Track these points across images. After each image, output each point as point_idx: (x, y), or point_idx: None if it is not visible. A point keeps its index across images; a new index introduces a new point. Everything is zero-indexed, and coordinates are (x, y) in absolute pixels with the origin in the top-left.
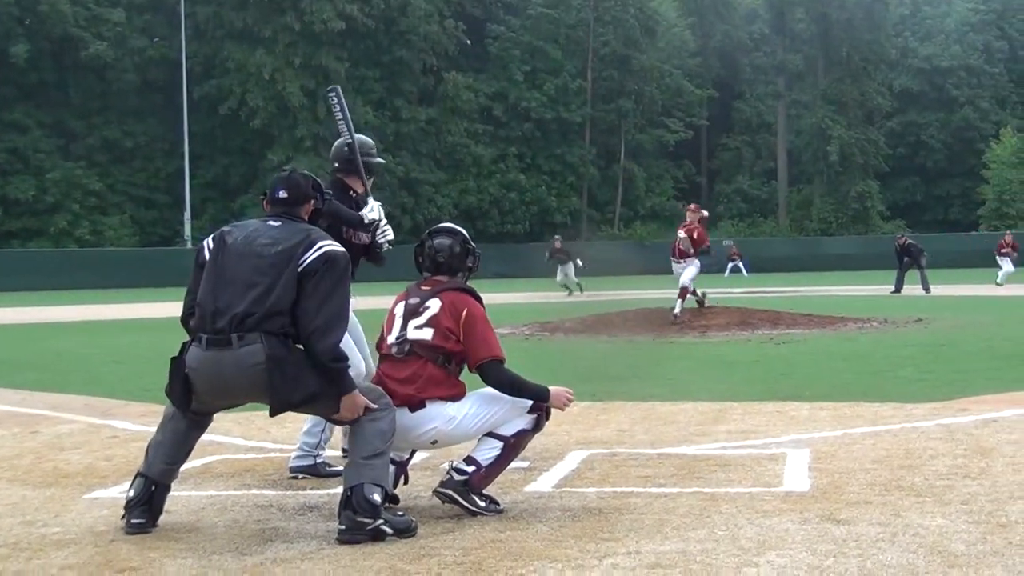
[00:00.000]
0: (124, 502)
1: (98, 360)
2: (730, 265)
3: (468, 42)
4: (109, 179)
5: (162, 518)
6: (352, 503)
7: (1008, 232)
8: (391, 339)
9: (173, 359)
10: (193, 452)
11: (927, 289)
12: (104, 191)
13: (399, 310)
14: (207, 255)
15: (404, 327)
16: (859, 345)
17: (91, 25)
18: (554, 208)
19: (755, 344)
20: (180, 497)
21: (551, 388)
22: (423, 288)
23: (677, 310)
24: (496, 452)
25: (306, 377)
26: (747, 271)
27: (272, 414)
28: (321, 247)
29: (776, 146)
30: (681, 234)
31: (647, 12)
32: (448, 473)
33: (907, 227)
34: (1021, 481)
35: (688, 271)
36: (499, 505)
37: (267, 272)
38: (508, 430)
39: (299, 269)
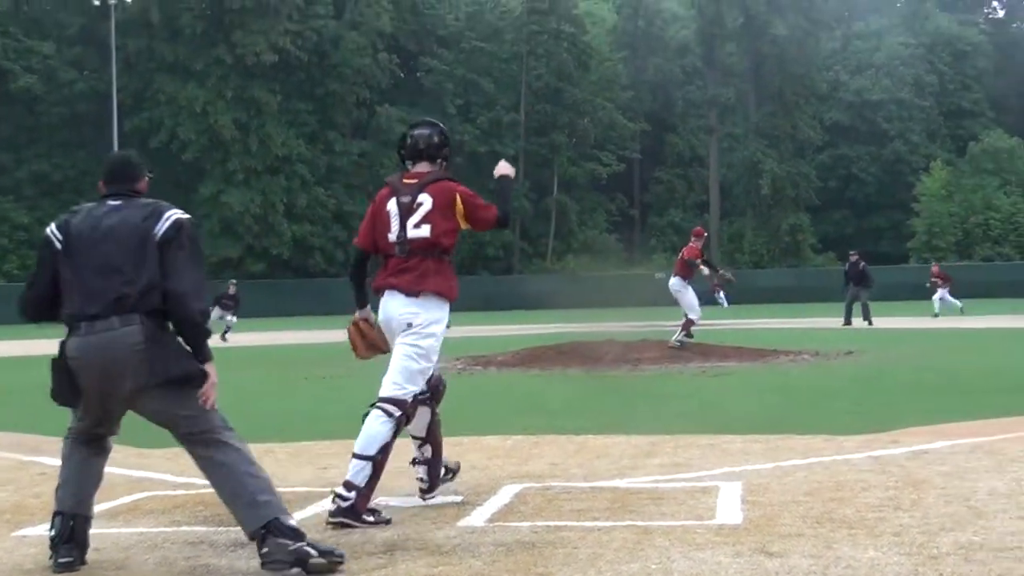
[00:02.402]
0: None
1: (27, 395)
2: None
3: (401, 75)
4: (38, 212)
5: (91, 556)
6: (273, 532)
7: (934, 263)
8: (392, 237)
9: (54, 359)
10: (123, 489)
11: (869, 320)
12: (33, 224)
13: (392, 208)
14: (58, 245)
15: (403, 226)
16: (791, 378)
17: (20, 57)
18: (487, 241)
19: (688, 377)
20: (109, 535)
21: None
22: (408, 182)
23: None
24: (368, 471)
25: (181, 357)
26: (727, 303)
27: (146, 412)
28: (170, 216)
29: (708, 179)
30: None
31: (580, 46)
32: (334, 502)
33: (837, 260)
34: (952, 513)
35: (691, 299)
36: (384, 515)
37: (130, 251)
38: (373, 447)
39: (156, 240)
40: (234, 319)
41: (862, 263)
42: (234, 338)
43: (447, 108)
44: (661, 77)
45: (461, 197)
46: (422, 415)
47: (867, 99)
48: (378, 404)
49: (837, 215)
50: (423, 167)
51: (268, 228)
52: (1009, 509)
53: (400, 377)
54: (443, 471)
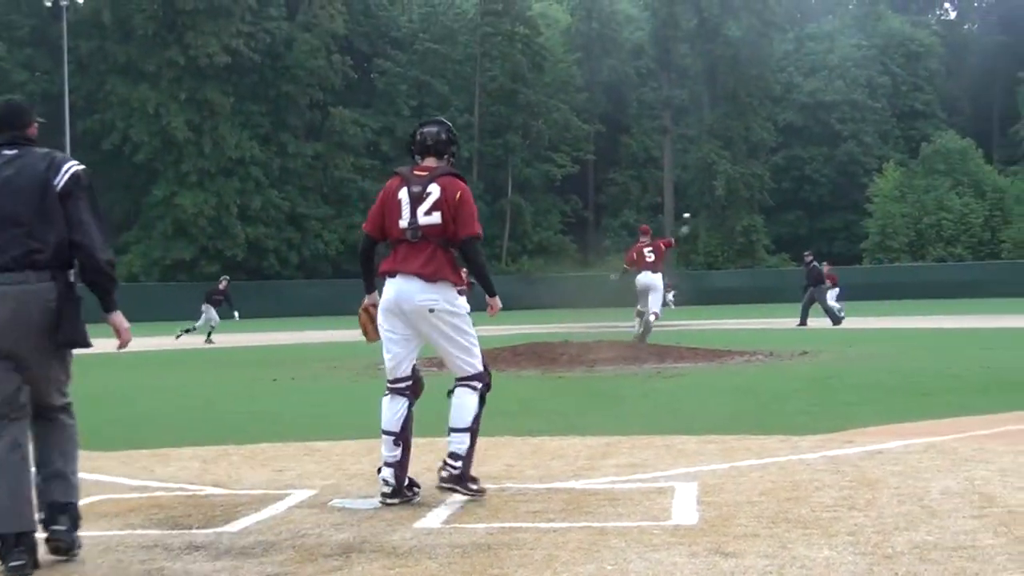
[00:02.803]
0: None
1: None
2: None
3: (355, 76)
4: None
5: (44, 559)
6: (72, 517)
7: (824, 263)
8: (403, 224)
9: None
10: (78, 492)
11: (835, 321)
12: None
13: (403, 196)
14: None
15: (414, 214)
16: (745, 378)
17: None
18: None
19: (642, 378)
20: None
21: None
22: (418, 174)
23: (642, 327)
24: (468, 441)
25: (83, 322)
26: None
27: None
28: (69, 168)
29: (663, 180)
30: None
31: (534, 47)
32: (444, 470)
33: (792, 261)
34: (906, 512)
35: (659, 298)
36: (480, 485)
37: (32, 202)
38: (468, 418)
39: (57, 191)
40: (217, 320)
41: (813, 263)
42: (197, 340)
43: (401, 110)
44: (615, 78)
45: (462, 195)
46: (398, 408)
47: (821, 100)
48: (458, 384)
49: (791, 216)
50: (431, 162)
51: (222, 230)
52: (962, 508)
53: (463, 354)
54: (409, 484)
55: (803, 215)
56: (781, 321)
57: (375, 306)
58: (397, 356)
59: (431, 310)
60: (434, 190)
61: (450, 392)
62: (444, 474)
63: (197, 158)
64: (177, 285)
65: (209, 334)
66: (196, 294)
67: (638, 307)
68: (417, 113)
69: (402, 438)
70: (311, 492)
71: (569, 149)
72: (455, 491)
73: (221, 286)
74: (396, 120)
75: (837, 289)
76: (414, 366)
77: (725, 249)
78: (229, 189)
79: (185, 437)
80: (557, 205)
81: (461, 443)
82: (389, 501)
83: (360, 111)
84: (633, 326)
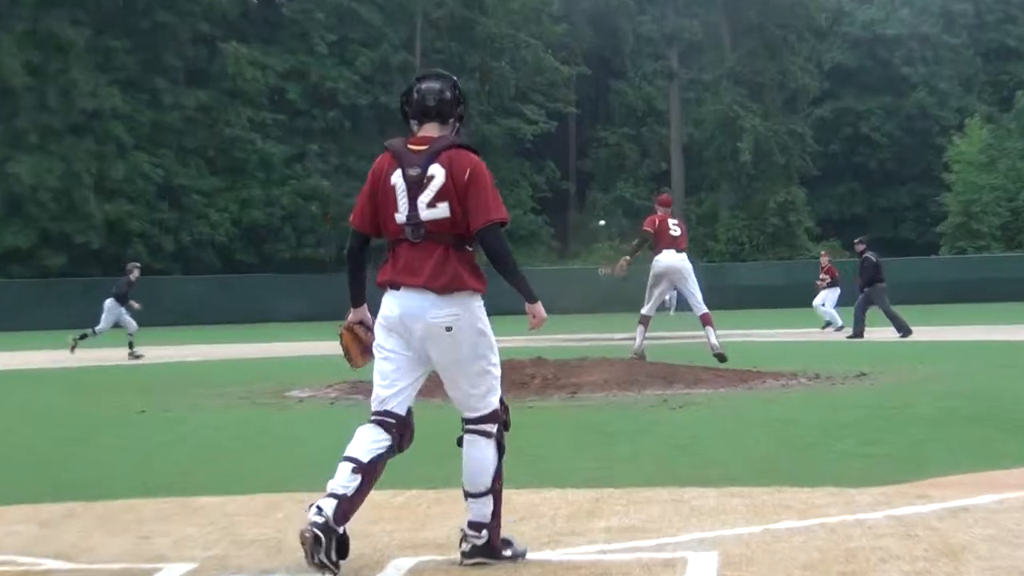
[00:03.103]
0: None
1: None
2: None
3: (255, 1)
4: None
5: None
6: None
7: (823, 253)
8: (400, 218)
9: None
10: None
11: (902, 330)
12: None
13: (398, 181)
14: None
15: (413, 205)
16: (783, 409)
17: None
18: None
19: (643, 408)
20: None
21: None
22: (414, 149)
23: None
24: (490, 505)
25: None
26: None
27: None
28: None
29: (669, 142)
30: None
31: None
32: (466, 541)
33: (844, 250)
34: None
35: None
36: (519, 545)
37: None
38: (485, 478)
39: None
40: (135, 325)
41: (867, 253)
42: (33, 358)
43: (316, 46)
44: (605, 6)
45: (473, 173)
46: (378, 440)
47: (880, 35)
48: (468, 429)
49: (842, 189)
50: (432, 130)
51: (70, 208)
52: None
53: (478, 388)
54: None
55: (858, 188)
56: (829, 331)
57: (363, 324)
58: (392, 385)
59: (448, 328)
60: (436, 172)
61: (460, 441)
62: (466, 547)
63: (38, 112)
64: (7, 282)
65: (131, 345)
66: (35, 293)
67: (643, 308)
68: (337, 51)
69: (366, 472)
70: (189, 566)
71: (543, 99)
72: (486, 563)
73: (132, 276)
74: (309, 61)
75: (837, 290)
76: (409, 408)
77: (754, 234)
78: (81, 153)
79: (17, 492)
80: (527, 174)
81: (482, 510)
82: (314, 537)
83: (261, 48)
84: (633, 338)
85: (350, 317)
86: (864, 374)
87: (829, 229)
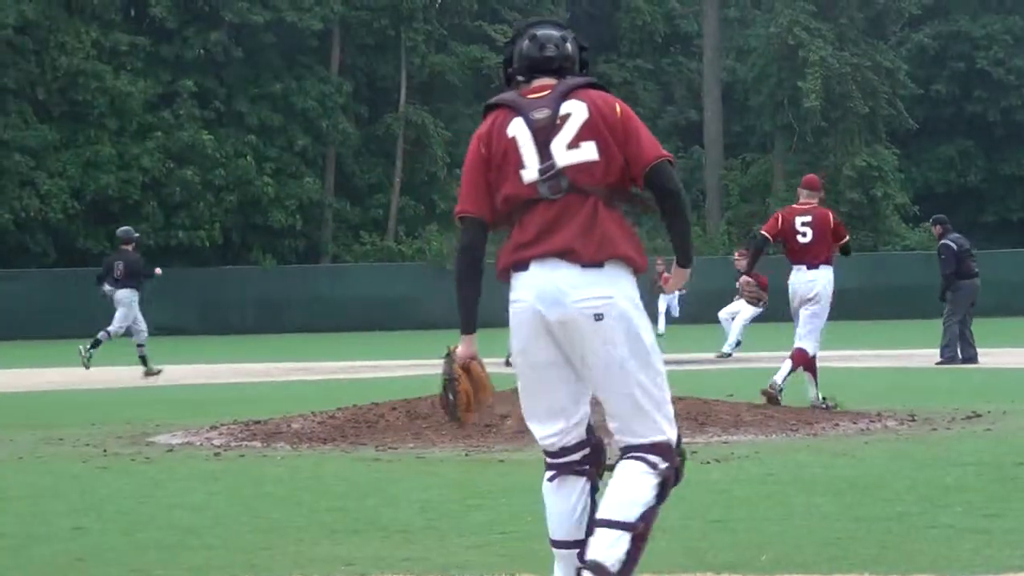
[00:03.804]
0: None
1: None
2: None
3: None
4: None
5: None
6: None
7: (737, 251)
8: (531, 173)
9: None
10: None
11: (967, 354)
12: None
13: (520, 131)
14: None
15: (546, 151)
16: (863, 466)
17: None
18: (269, 198)
19: None
20: None
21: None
22: (535, 97)
23: None
24: (626, 545)
25: None
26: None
27: None
28: None
29: (702, 80)
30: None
31: None
32: None
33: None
34: None
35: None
36: None
37: None
38: (633, 510)
39: None
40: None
41: (946, 239)
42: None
43: None
44: None
45: (624, 109)
46: (575, 498)
47: None
48: (633, 455)
49: (949, 150)
50: (548, 81)
51: None
52: None
53: (645, 399)
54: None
55: (973, 149)
56: (931, 352)
57: (474, 359)
58: (556, 410)
59: (598, 316)
60: (575, 109)
61: (610, 467)
62: None
63: None
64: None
65: (144, 359)
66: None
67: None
68: None
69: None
70: None
71: (518, 17)
72: None
73: (131, 248)
74: None
75: (753, 308)
76: (590, 423)
77: None
78: None
79: None
80: None
81: (613, 545)
82: None
83: None
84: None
85: (461, 350)
86: (978, 415)
87: (930, 206)
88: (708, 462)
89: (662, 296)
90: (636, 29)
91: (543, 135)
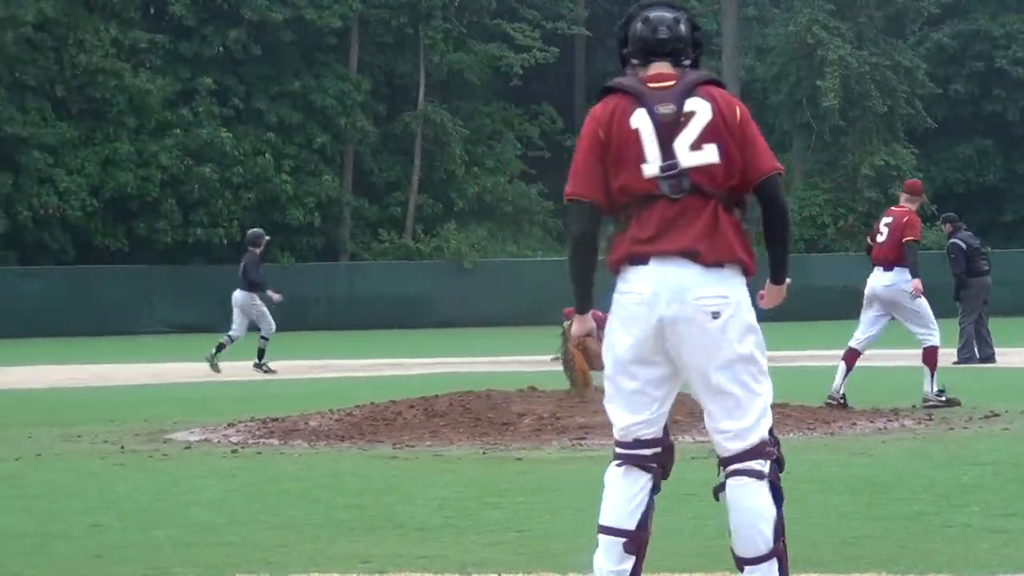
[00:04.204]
0: None
1: None
2: None
3: None
4: None
5: None
6: None
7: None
8: (652, 169)
9: None
10: None
11: (985, 353)
12: None
13: (643, 123)
14: None
15: (669, 150)
16: (879, 465)
17: None
18: (287, 196)
19: (681, 462)
20: None
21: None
22: (658, 87)
23: None
24: (776, 570)
25: None
26: None
27: None
28: None
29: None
30: None
31: None
32: None
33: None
34: None
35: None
36: None
37: None
38: (764, 535)
39: None
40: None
41: (956, 236)
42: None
43: None
44: None
45: (744, 113)
46: (637, 489)
47: None
48: (732, 471)
49: (967, 149)
50: (664, 67)
51: None
52: None
53: (750, 405)
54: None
55: (992, 149)
56: (948, 351)
57: (591, 335)
58: (640, 408)
59: (715, 315)
60: (700, 108)
61: (718, 490)
62: None
63: None
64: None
65: (262, 354)
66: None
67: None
68: None
69: (637, 541)
70: None
71: (537, 16)
72: None
73: (257, 251)
74: None
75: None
76: (665, 425)
77: (840, 212)
78: None
79: None
80: (513, 123)
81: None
82: None
83: None
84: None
85: (575, 328)
86: (996, 414)
87: (948, 206)
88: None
89: None
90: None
91: (667, 131)
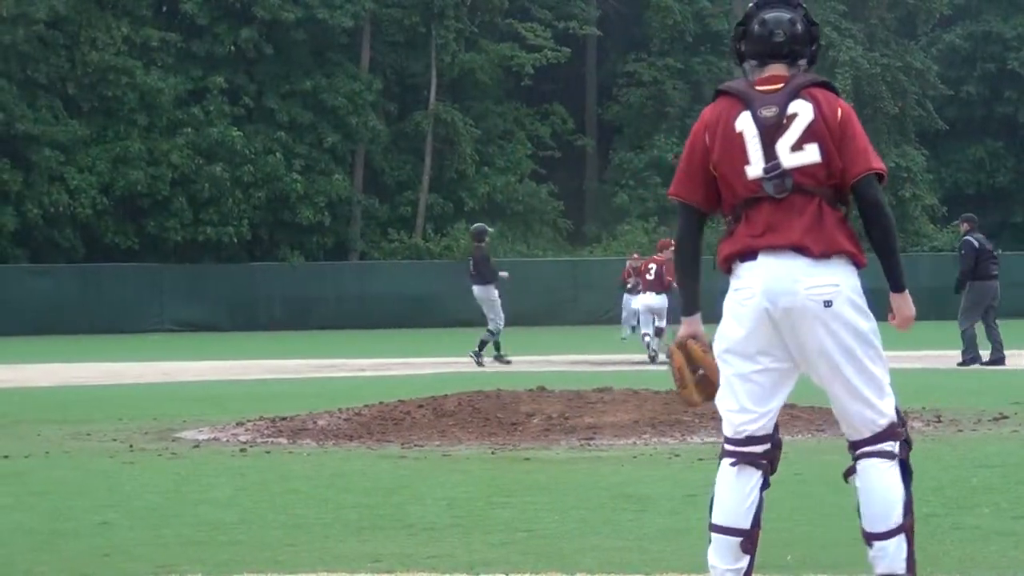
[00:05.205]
0: None
1: None
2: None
3: None
4: None
5: None
6: None
7: (633, 254)
8: (754, 171)
9: None
10: None
11: (995, 355)
12: None
13: (747, 126)
14: None
15: (771, 151)
16: None
17: None
18: (298, 195)
19: (688, 462)
20: None
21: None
22: (765, 90)
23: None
24: (905, 548)
25: None
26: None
27: None
28: None
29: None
30: (652, 265)
31: None
32: None
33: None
34: None
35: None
36: None
37: None
38: (895, 511)
39: None
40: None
41: (968, 236)
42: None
43: None
44: None
45: (846, 114)
46: (750, 487)
47: None
48: (862, 453)
49: (979, 151)
50: (779, 69)
51: None
52: None
53: (872, 392)
54: None
55: (1003, 151)
56: (953, 354)
57: (696, 338)
58: (755, 398)
59: (827, 303)
60: (802, 109)
61: (848, 472)
62: None
63: None
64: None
65: (493, 346)
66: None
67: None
68: None
69: (753, 539)
70: None
71: (549, 16)
72: None
73: (483, 244)
74: None
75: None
76: (776, 421)
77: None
78: None
79: None
80: (525, 124)
81: (898, 553)
82: None
83: None
84: None
85: (681, 329)
86: (1005, 416)
87: (959, 207)
88: None
89: (626, 296)
90: (666, 28)
91: (769, 134)
